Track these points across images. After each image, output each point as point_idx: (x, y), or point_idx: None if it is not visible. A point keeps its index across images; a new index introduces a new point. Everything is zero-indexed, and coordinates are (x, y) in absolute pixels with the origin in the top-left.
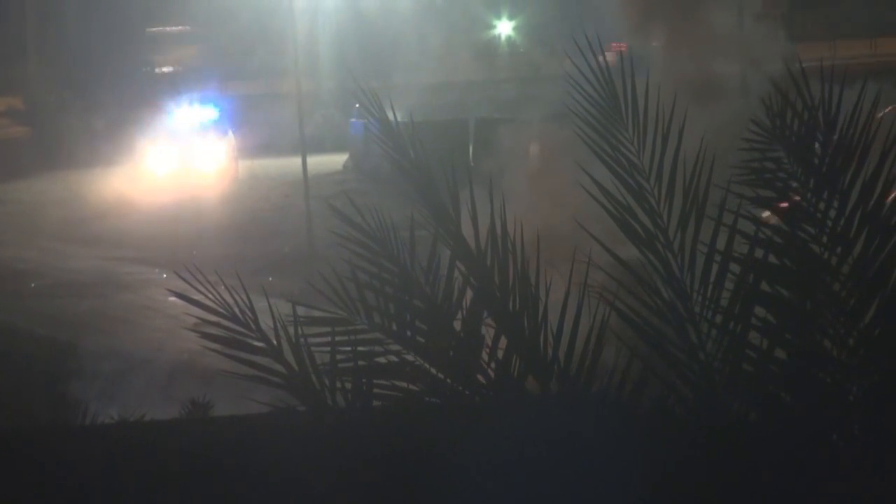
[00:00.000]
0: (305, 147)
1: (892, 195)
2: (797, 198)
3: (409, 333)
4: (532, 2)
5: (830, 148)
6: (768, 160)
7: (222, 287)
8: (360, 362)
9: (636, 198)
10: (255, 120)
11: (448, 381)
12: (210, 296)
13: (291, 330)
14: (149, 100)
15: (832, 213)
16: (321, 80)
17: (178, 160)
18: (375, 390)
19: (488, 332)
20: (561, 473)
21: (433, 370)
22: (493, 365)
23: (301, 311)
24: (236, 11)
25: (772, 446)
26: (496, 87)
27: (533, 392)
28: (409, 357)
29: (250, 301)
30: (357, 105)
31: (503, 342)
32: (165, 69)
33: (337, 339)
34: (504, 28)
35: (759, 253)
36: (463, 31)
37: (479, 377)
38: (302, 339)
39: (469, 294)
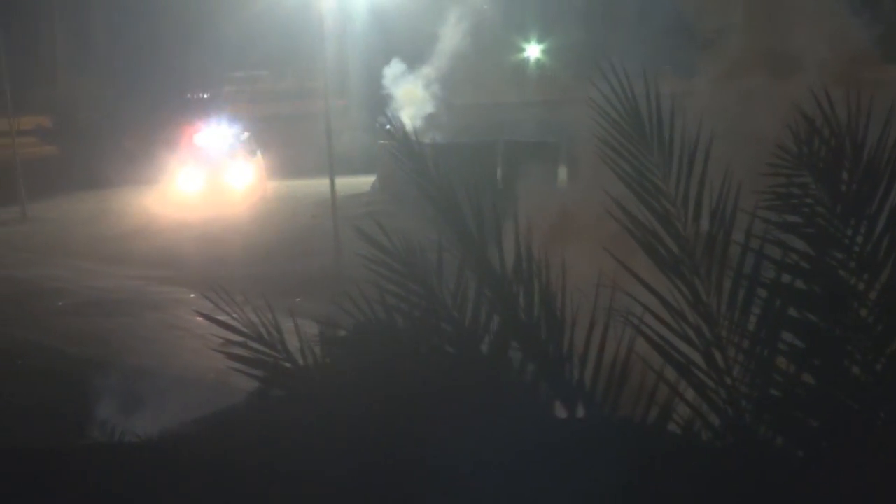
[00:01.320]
0: (333, 168)
1: None
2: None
3: (436, 357)
4: (561, 26)
5: (858, 174)
6: (795, 185)
7: (249, 307)
8: (388, 384)
9: (662, 222)
10: (284, 140)
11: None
12: (237, 316)
13: (318, 351)
14: (179, 120)
15: (859, 239)
16: (350, 101)
17: (208, 180)
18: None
19: (515, 356)
20: (586, 498)
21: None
22: (520, 389)
23: (328, 331)
24: (266, 34)
25: (799, 472)
26: (524, 110)
27: (559, 416)
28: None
29: (277, 321)
30: (387, 126)
31: (530, 367)
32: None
33: (364, 360)
34: (533, 51)
35: (786, 278)
36: (492, 53)
37: (507, 401)
38: (329, 360)
39: (496, 318)
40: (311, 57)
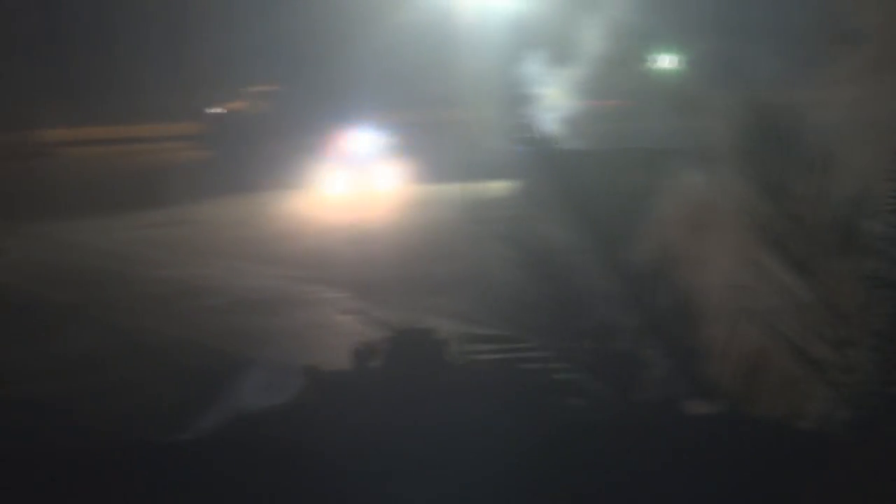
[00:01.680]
0: (474, 173)
1: None
2: None
3: (575, 353)
4: (692, 38)
5: None
6: None
7: (394, 306)
8: (527, 378)
9: (793, 223)
10: (426, 146)
11: (613, 398)
12: (382, 314)
13: (460, 347)
14: (326, 125)
15: None
16: (492, 109)
17: (354, 184)
18: (541, 406)
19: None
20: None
21: (598, 388)
22: (653, 385)
23: (469, 329)
24: (412, 44)
25: None
26: (659, 119)
27: (698, 411)
28: (575, 375)
29: (421, 319)
30: (520, 136)
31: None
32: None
33: (506, 357)
34: (668, 62)
35: None
36: (627, 64)
37: (644, 396)
38: (471, 356)
39: (633, 316)
40: (453, 65)
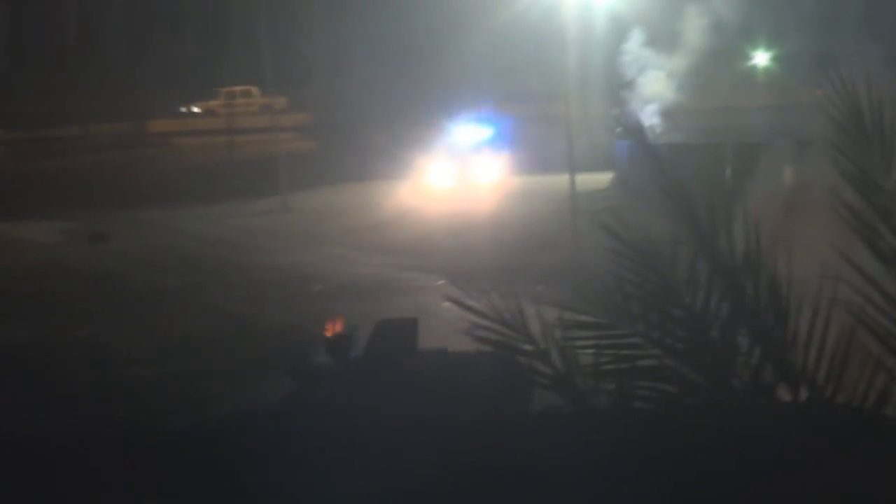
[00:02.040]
0: (574, 165)
1: None
2: None
3: (668, 340)
4: (787, 35)
5: None
6: None
7: (494, 293)
8: (623, 365)
9: (881, 216)
10: (527, 139)
11: (705, 385)
12: (482, 301)
13: (558, 334)
14: (428, 118)
15: None
16: (589, 103)
17: (456, 175)
18: (636, 392)
19: (742, 341)
20: (808, 476)
21: (691, 374)
22: (746, 372)
23: (568, 316)
24: (515, 39)
25: None
26: (753, 114)
27: (783, 398)
28: (669, 361)
29: (521, 306)
30: (619, 129)
31: (757, 352)
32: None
33: (602, 343)
34: (761, 59)
35: None
36: (722, 60)
37: (734, 382)
38: (569, 343)
39: (726, 305)
40: (556, 59)
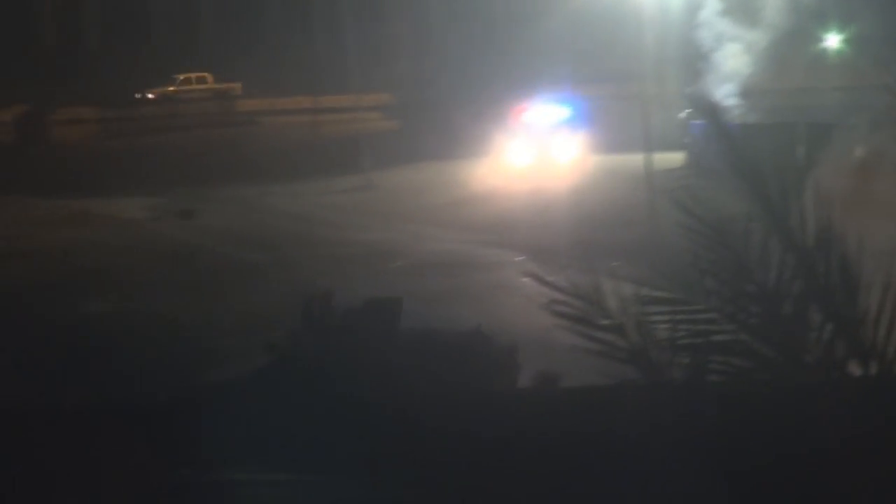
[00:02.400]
0: (650, 144)
1: None
2: None
3: (742, 315)
4: (859, 18)
5: None
6: None
7: (572, 269)
8: (697, 340)
9: None
10: (604, 119)
11: (777, 359)
12: (561, 277)
13: (634, 309)
14: (508, 98)
15: None
16: (665, 83)
17: (535, 154)
18: (710, 366)
19: (814, 317)
20: (877, 449)
21: (764, 349)
22: (818, 347)
23: (644, 291)
24: (593, 20)
25: None
26: (824, 95)
27: (854, 373)
28: (742, 337)
29: (598, 282)
30: (687, 110)
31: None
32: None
33: (676, 318)
34: (833, 41)
35: None
36: (795, 41)
37: (806, 357)
38: (645, 318)
39: (797, 282)
40: (633, 40)
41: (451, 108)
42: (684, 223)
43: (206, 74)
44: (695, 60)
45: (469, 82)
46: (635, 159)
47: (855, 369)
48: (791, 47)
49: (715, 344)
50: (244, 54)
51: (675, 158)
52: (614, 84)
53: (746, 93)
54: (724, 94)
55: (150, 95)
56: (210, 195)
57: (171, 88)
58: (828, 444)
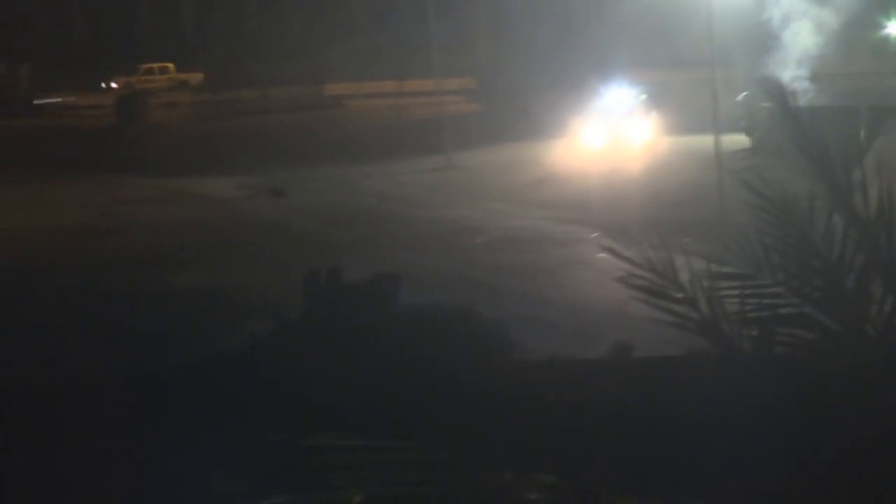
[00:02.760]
0: (719, 126)
1: None
2: None
3: (807, 289)
4: None
5: None
6: None
7: (645, 245)
8: (764, 313)
9: None
10: (675, 102)
11: (840, 331)
12: (636, 252)
13: (705, 283)
14: (583, 82)
15: None
16: (734, 68)
17: (609, 136)
18: (777, 338)
19: (876, 290)
20: None
21: (827, 322)
22: (880, 319)
23: (714, 267)
24: (663, 6)
25: None
26: (886, 80)
27: None
28: (807, 309)
29: (670, 257)
30: (744, 93)
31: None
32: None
33: (745, 292)
34: (894, 28)
35: None
36: (859, 28)
37: (869, 329)
38: (715, 291)
39: (860, 256)
40: (701, 26)
41: (529, 92)
42: (752, 202)
43: (168, 65)
44: (764, 45)
45: (546, 67)
46: (705, 140)
47: None
48: (856, 34)
49: (781, 317)
50: (337, 42)
51: (743, 140)
52: (685, 68)
53: (813, 77)
54: (792, 77)
55: (113, 85)
56: (300, 174)
57: (135, 78)
58: (888, 409)
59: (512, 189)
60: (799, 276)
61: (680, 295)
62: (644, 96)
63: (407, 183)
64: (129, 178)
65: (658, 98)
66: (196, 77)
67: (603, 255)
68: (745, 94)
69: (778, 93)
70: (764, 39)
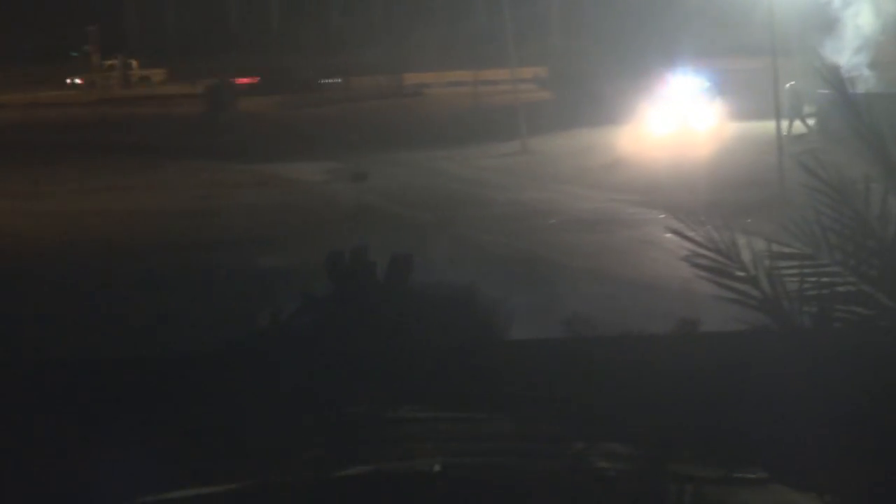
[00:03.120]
0: (780, 112)
1: None
2: None
3: (863, 268)
4: None
5: None
6: None
7: (709, 226)
8: (823, 291)
9: None
10: (738, 89)
11: None
12: (700, 233)
13: (766, 262)
14: (650, 70)
15: None
16: (795, 56)
17: (675, 121)
18: (835, 314)
19: None
20: None
21: (884, 299)
22: None
23: (774, 246)
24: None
25: None
26: None
27: None
28: (864, 287)
29: (733, 237)
30: (791, 82)
31: None
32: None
33: (804, 271)
34: None
35: None
36: None
37: None
38: (775, 270)
39: None
40: (765, 15)
41: (599, 80)
42: (810, 184)
43: (132, 61)
44: (823, 34)
45: (616, 55)
46: (767, 126)
47: None
48: None
49: (839, 294)
50: (416, 33)
51: (805, 125)
52: (748, 56)
53: (872, 64)
54: (851, 65)
55: (77, 81)
56: (381, 159)
57: (98, 74)
58: None
59: (583, 172)
60: (855, 256)
61: (742, 274)
62: (709, 83)
63: (483, 167)
64: (221, 164)
65: (722, 85)
66: (159, 73)
67: (670, 235)
68: (791, 83)
69: (836, 80)
70: (824, 28)
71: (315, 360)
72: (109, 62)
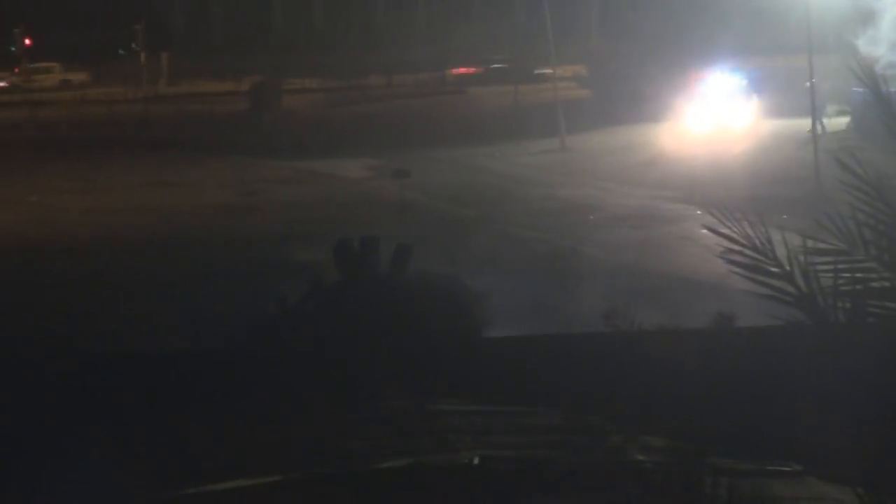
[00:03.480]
0: (815, 111)
1: None
2: None
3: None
4: None
5: None
6: None
7: (745, 222)
8: (857, 286)
9: None
10: (775, 88)
11: None
12: (736, 228)
13: (801, 258)
14: (687, 69)
15: None
16: (829, 55)
17: (712, 119)
18: (869, 310)
19: None
20: None
21: None
22: None
23: (809, 242)
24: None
25: None
26: None
27: None
28: None
29: (768, 233)
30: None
31: None
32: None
33: (839, 266)
34: None
35: None
36: None
37: None
38: (810, 266)
39: None
40: (801, 16)
41: (637, 78)
42: (845, 181)
43: (53, 65)
44: (858, 32)
45: (654, 54)
46: (803, 123)
47: None
48: None
49: (873, 290)
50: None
51: (838, 122)
52: (785, 55)
53: None
54: (886, 65)
55: (2, 84)
56: (423, 156)
57: (22, 77)
58: None
59: (621, 169)
60: (890, 251)
61: (777, 269)
62: (746, 82)
63: (523, 163)
64: (264, 161)
65: (759, 83)
66: (80, 76)
67: (706, 231)
68: (811, 81)
69: (869, 78)
70: (860, 24)
71: (350, 355)
72: (31, 65)
